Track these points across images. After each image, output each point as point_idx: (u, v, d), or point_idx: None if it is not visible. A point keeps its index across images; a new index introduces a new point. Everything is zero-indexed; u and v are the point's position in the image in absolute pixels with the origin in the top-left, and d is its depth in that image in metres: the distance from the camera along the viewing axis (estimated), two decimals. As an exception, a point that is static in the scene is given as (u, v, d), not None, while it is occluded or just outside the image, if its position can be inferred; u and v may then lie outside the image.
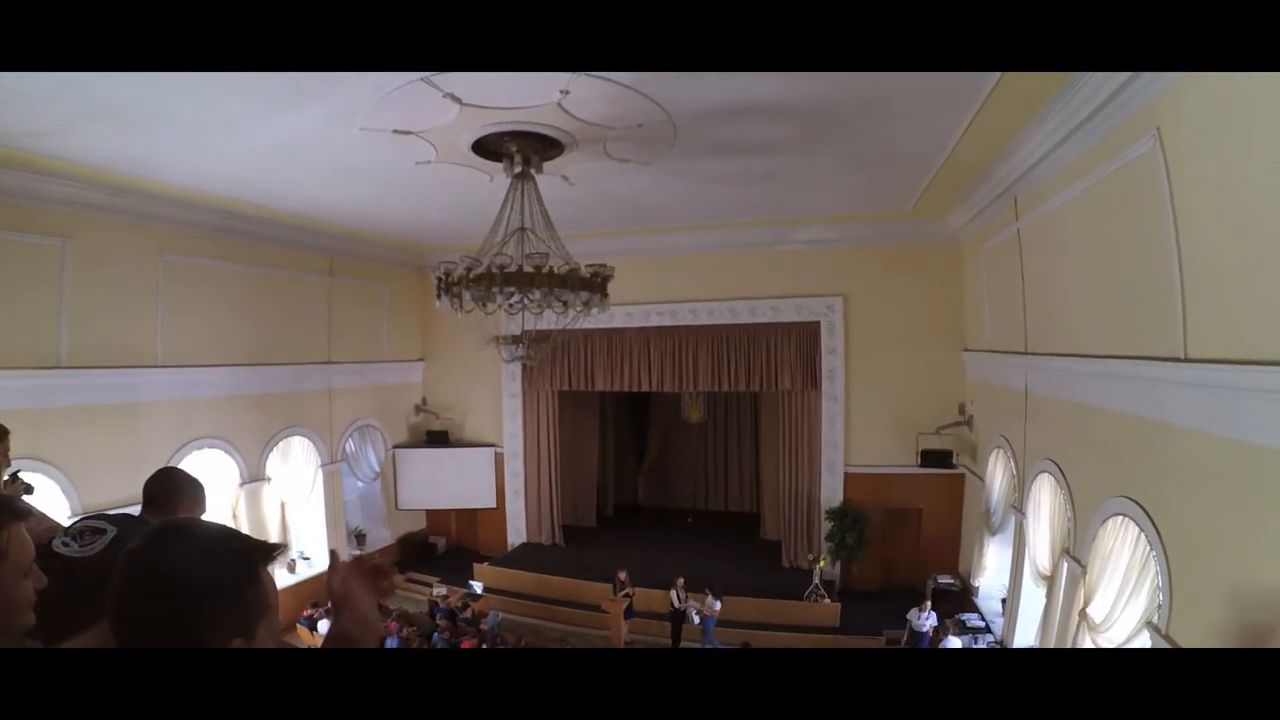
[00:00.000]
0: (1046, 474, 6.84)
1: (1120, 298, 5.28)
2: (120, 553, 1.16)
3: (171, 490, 2.52)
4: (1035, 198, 6.92)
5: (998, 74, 5.14)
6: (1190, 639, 4.06)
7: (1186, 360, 4.23)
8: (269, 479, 10.18)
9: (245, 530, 9.38)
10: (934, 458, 10.65)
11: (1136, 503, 4.85)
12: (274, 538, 10.27)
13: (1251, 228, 3.62)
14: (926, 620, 8.99)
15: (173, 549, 1.13)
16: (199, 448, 9.02)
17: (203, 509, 2.63)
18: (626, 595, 10.12)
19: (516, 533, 13.47)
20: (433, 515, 13.85)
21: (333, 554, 1.44)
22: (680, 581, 10.09)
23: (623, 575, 10.31)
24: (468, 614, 10.25)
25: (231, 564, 1.14)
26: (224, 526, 1.23)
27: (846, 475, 11.40)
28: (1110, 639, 5.01)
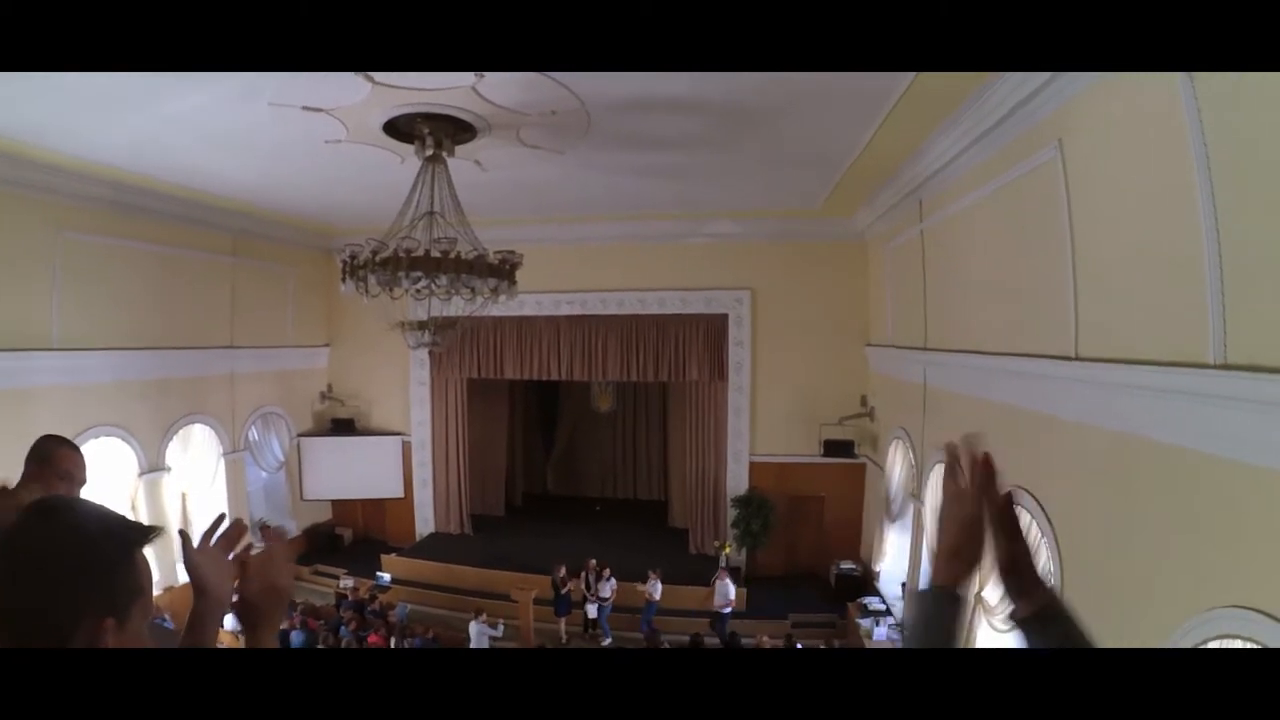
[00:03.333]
0: (944, 464, 7.11)
1: (1016, 298, 5.54)
2: None
3: (51, 457, 2.49)
4: (940, 200, 7.18)
5: (909, 77, 5.28)
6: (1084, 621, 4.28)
7: (1077, 359, 4.47)
8: (169, 469, 9.63)
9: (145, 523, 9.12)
10: (836, 448, 10.99)
11: (1027, 491, 5.10)
12: (174, 529, 9.77)
13: (1140, 236, 3.85)
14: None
15: (48, 526, 1.09)
16: (95, 436, 8.41)
17: (83, 481, 2.58)
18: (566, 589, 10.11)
19: (425, 522, 13.22)
20: (339, 506, 13.43)
21: (182, 534, 1.39)
22: (592, 563, 10.18)
23: (562, 570, 10.23)
24: (375, 606, 10.01)
25: (107, 544, 1.11)
26: (101, 506, 1.19)
27: (752, 464, 11.64)
28: (1003, 620, 5.24)
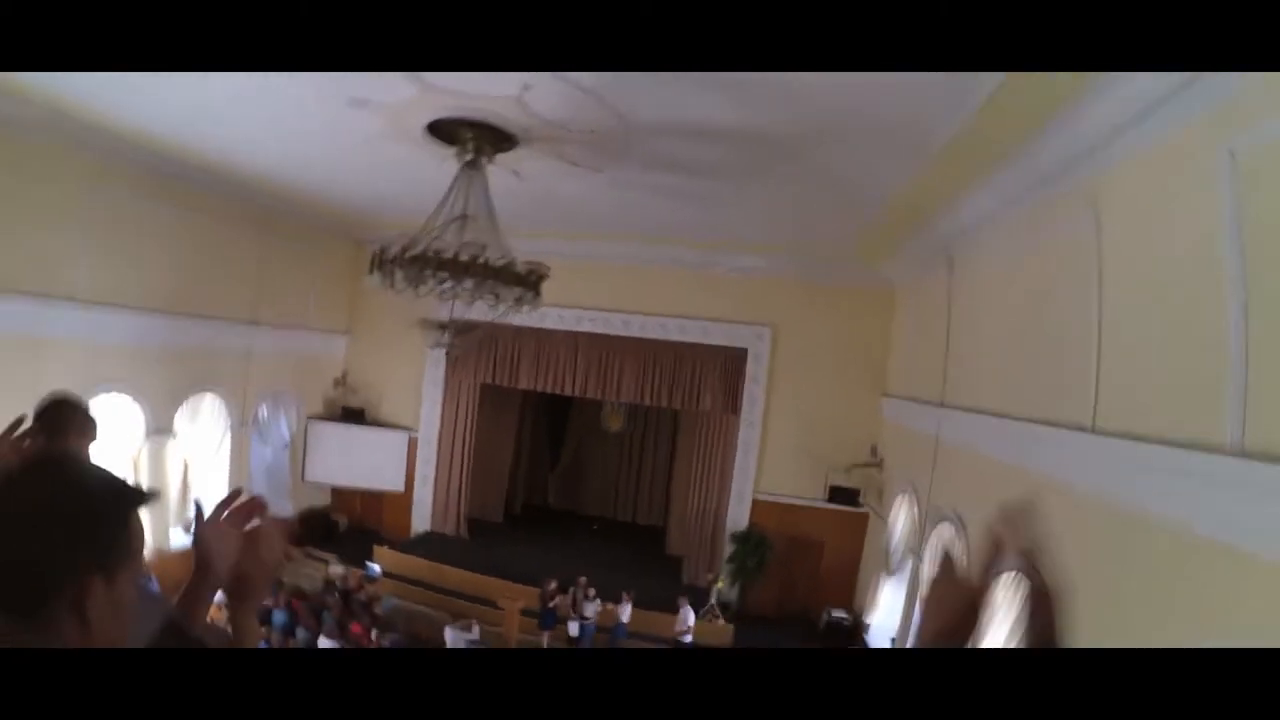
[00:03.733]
0: (948, 523, 7.05)
1: (1038, 363, 5.50)
2: None
3: (60, 417, 2.48)
4: (970, 256, 7.16)
5: (953, 127, 5.26)
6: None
7: (1094, 430, 4.42)
8: (175, 434, 9.69)
9: (145, 485, 9.09)
10: (841, 495, 10.92)
11: (1027, 562, 5.01)
12: (173, 495, 9.82)
13: (1168, 313, 3.82)
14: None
15: (46, 479, 1.10)
16: (106, 391, 8.44)
17: (92, 437, 2.59)
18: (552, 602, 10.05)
19: (421, 520, 13.21)
20: (339, 493, 13.44)
21: (196, 506, 1.40)
22: (582, 581, 10.12)
23: (553, 585, 10.18)
24: (362, 596, 9.98)
25: (103, 502, 1.12)
26: (101, 466, 1.21)
27: (755, 501, 11.57)
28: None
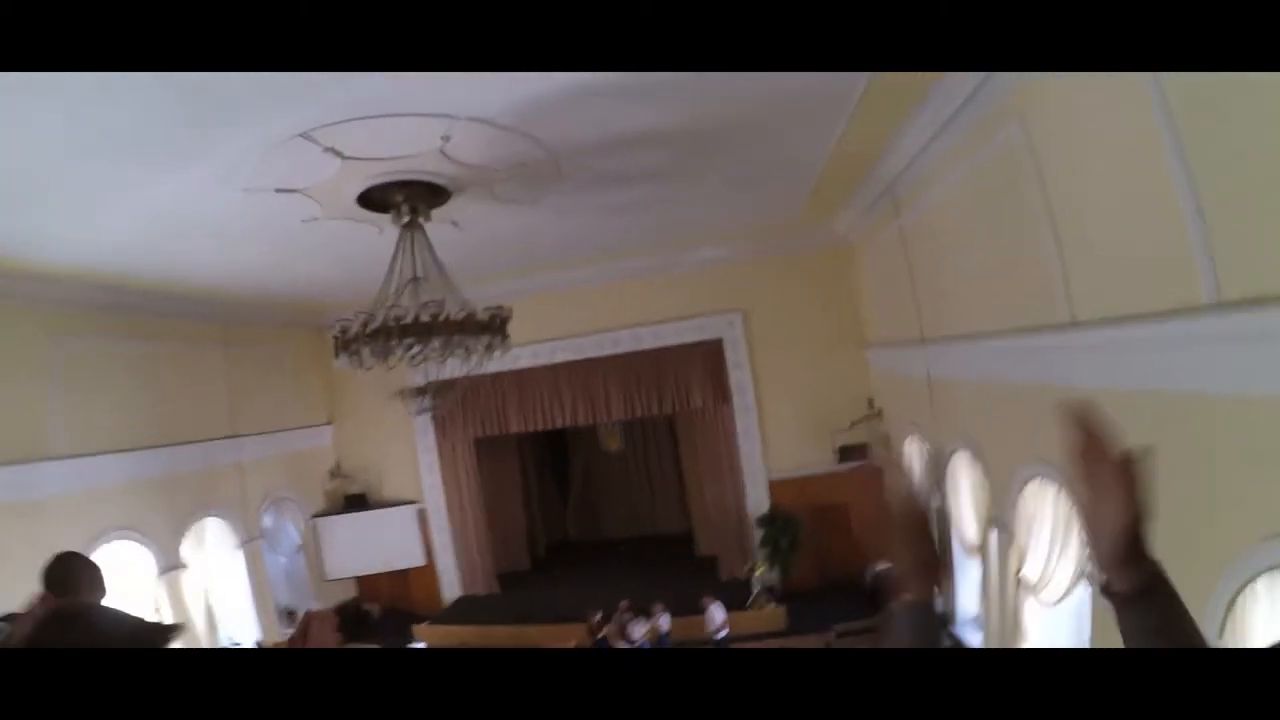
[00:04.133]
0: (961, 451, 7.09)
1: (1004, 277, 5.56)
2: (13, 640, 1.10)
3: (68, 576, 2.47)
4: (914, 194, 7.24)
5: (864, 80, 5.37)
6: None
7: (1073, 325, 4.48)
8: (186, 566, 9.53)
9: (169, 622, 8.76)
10: (851, 452, 10.94)
11: (1049, 463, 5.07)
12: (200, 626, 9.66)
13: (1115, 192, 3.89)
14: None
15: (67, 633, 1.09)
16: (109, 540, 8.29)
17: (102, 593, 2.56)
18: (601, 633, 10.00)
19: (451, 587, 13.08)
20: (363, 582, 13.25)
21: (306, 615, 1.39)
22: (624, 604, 10.08)
23: (597, 616, 10.13)
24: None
25: (128, 644, 1.10)
26: (119, 610, 1.19)
27: (770, 482, 11.58)
28: (1049, 595, 5.21)
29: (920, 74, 5.31)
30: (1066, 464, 1.20)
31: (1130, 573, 1.14)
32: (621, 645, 9.91)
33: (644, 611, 10.11)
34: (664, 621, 9.92)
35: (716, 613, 9.88)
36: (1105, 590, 1.17)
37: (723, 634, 9.84)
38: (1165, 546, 3.53)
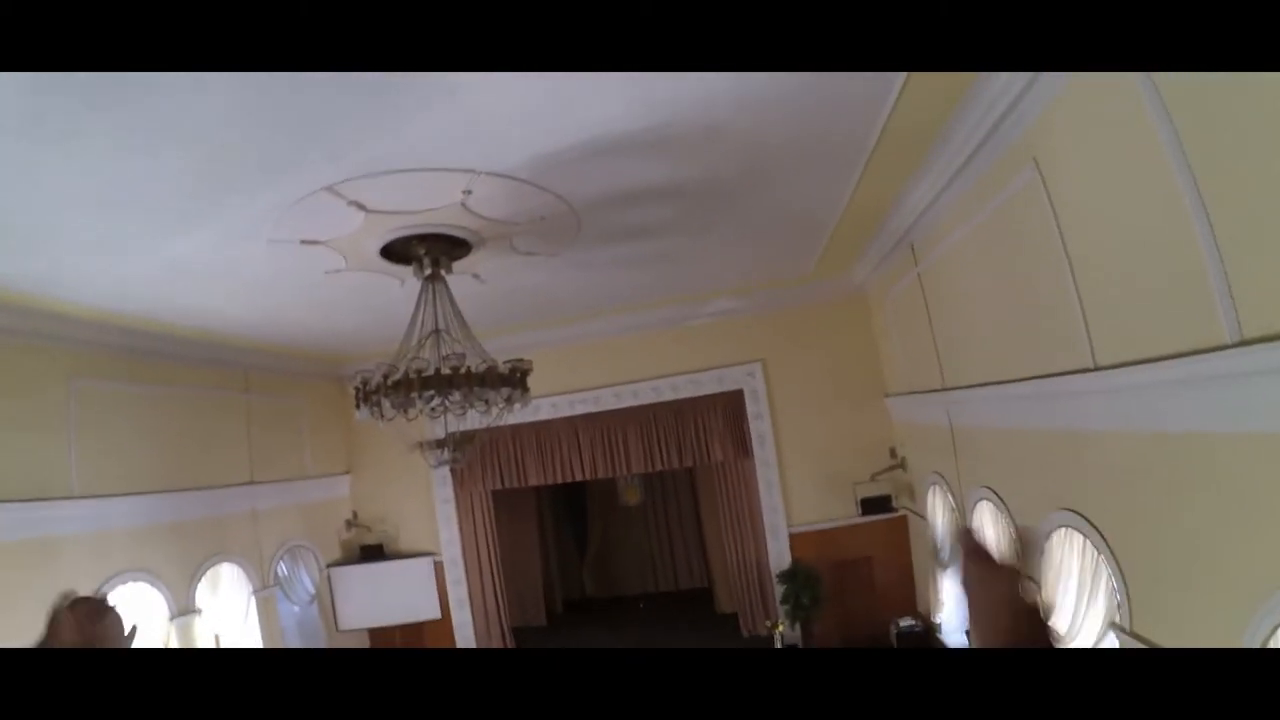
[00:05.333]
0: (985, 500, 6.99)
1: (1024, 323, 5.55)
2: None
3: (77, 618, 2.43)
4: (930, 241, 7.28)
5: (878, 128, 5.44)
6: (1153, 630, 4.13)
7: (1096, 369, 4.45)
8: (199, 611, 9.47)
9: None
10: (874, 504, 10.80)
11: (1075, 512, 4.99)
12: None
13: (1132, 234, 3.89)
14: None
15: (95, 622, 1.16)
16: (123, 582, 8.31)
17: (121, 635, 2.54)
18: None
19: (465, 641, 12.87)
20: (376, 634, 13.06)
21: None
22: None
23: None
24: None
25: None
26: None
27: (791, 535, 11.40)
28: (1080, 645, 5.08)
29: (933, 118, 5.38)
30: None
31: None
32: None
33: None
34: None
35: None
36: None
37: None
38: (1194, 588, 3.49)
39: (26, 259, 5.91)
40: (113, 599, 2.18)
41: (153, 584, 8.82)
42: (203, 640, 9.53)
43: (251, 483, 10.77)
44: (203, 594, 9.67)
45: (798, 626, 11.00)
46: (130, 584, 8.49)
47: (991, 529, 7.00)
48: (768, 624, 10.96)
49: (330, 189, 5.14)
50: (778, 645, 10.46)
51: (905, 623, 10.26)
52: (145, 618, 8.64)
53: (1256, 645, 3.04)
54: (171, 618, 9.02)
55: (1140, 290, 3.90)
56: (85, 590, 2.71)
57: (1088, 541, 4.90)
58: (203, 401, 9.98)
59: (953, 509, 8.32)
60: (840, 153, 5.89)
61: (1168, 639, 3.78)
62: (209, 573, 9.83)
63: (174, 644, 8.99)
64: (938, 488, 8.84)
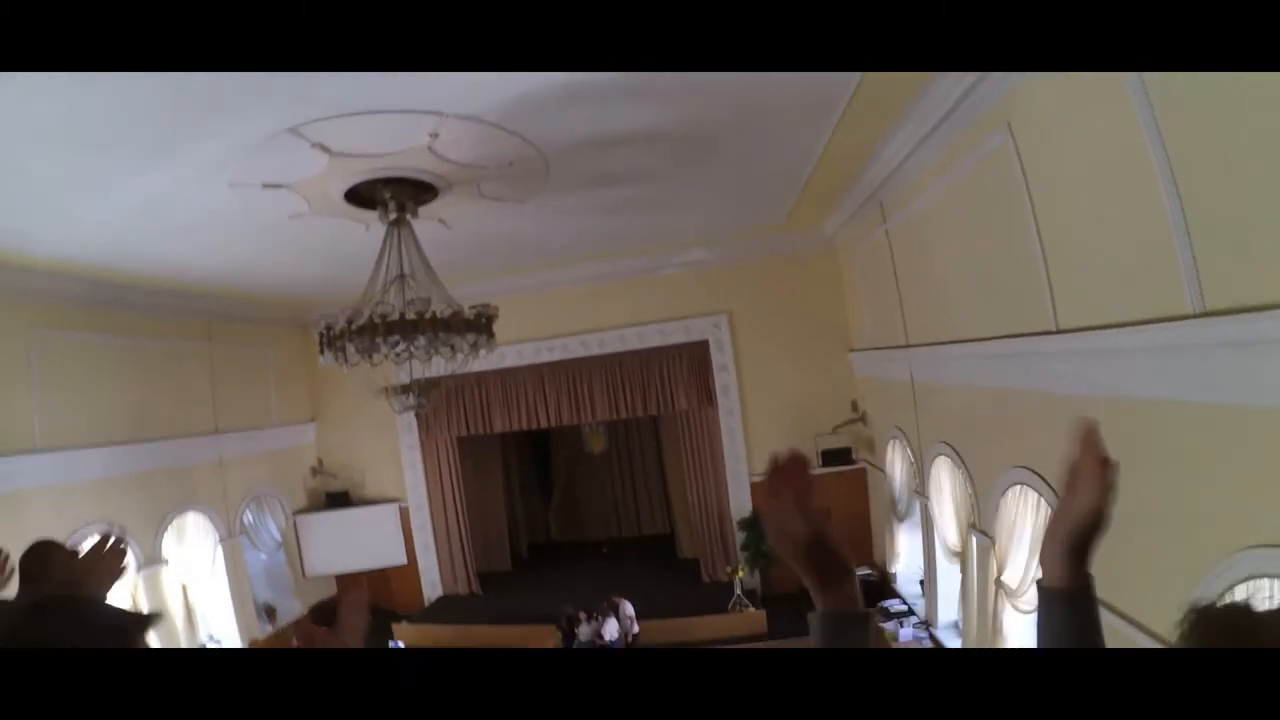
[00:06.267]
0: (943, 456, 7.14)
1: (990, 283, 5.61)
2: None
3: (43, 562, 2.44)
4: (901, 198, 7.28)
5: (853, 84, 5.39)
6: (1102, 589, 4.25)
7: (1059, 332, 4.52)
8: (166, 561, 9.44)
9: None
10: (834, 456, 10.97)
11: (1031, 470, 5.11)
12: (179, 622, 9.56)
13: (1101, 200, 3.93)
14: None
15: (46, 623, 1.07)
16: (88, 533, 8.23)
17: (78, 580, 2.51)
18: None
19: (431, 586, 13.02)
20: (343, 580, 13.11)
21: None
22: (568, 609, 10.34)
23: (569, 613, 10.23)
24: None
25: (104, 638, 1.09)
26: (95, 599, 1.19)
27: (753, 484, 11.59)
28: (1028, 601, 5.25)
29: (908, 79, 5.36)
30: (1061, 466, 1.27)
31: (1070, 573, 1.21)
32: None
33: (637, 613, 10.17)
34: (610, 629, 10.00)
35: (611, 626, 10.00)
36: (1040, 584, 1.24)
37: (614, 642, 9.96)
38: (1145, 552, 3.59)
39: None
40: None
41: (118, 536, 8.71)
42: (170, 590, 9.50)
43: (216, 431, 10.65)
44: (169, 544, 9.61)
45: (756, 573, 11.24)
46: (96, 536, 8.38)
47: (948, 483, 7.17)
48: (728, 569, 11.18)
49: (293, 130, 4.98)
50: (738, 590, 10.67)
51: (861, 571, 10.51)
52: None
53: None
54: (138, 569, 8.96)
55: (1105, 257, 3.95)
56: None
57: (1041, 499, 5.03)
58: (166, 351, 9.80)
59: (911, 463, 8.49)
60: (816, 104, 5.83)
61: (1116, 600, 3.91)
62: (175, 523, 9.77)
63: (141, 595, 8.95)
64: (897, 442, 9.00)
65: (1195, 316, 3.15)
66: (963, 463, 6.68)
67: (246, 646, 10.17)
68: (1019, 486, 5.38)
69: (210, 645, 10.01)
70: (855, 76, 5.24)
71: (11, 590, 2.43)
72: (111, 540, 2.35)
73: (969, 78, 4.89)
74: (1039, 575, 1.28)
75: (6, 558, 2.46)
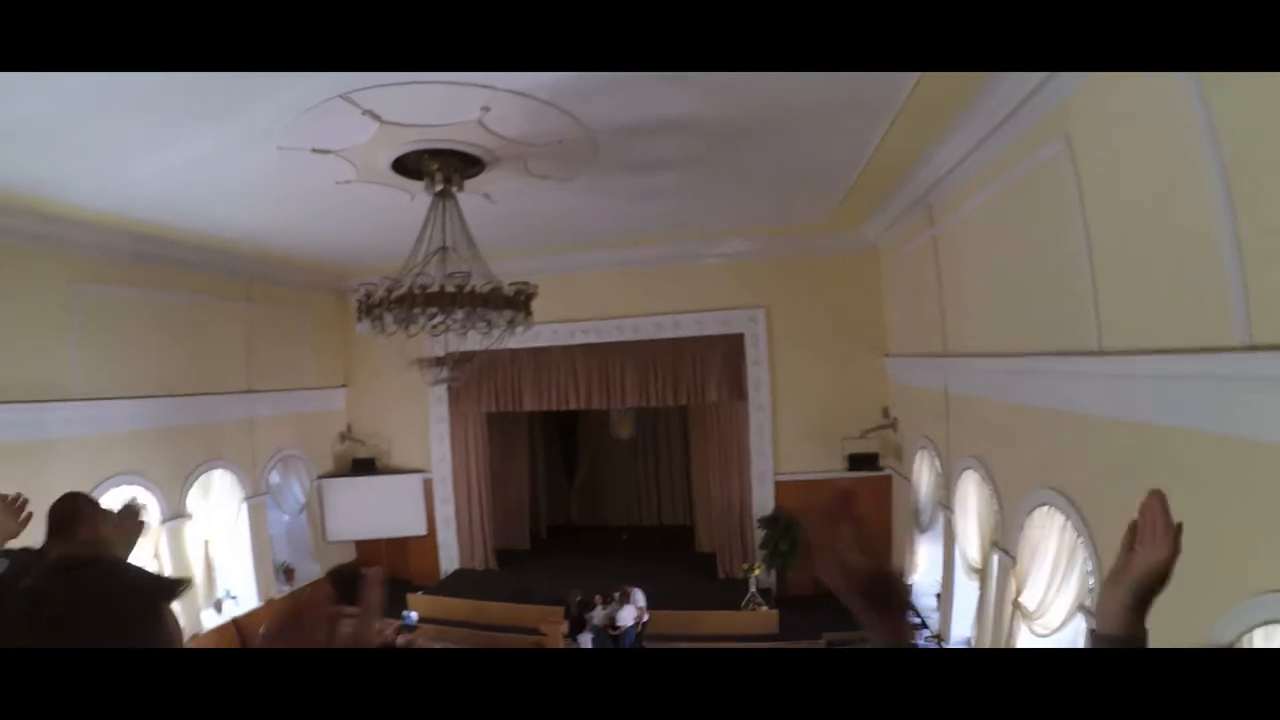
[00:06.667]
0: (971, 470, 7.04)
1: (1034, 297, 5.49)
2: (11, 589, 1.07)
3: (73, 516, 2.41)
4: (949, 204, 7.16)
5: (910, 85, 5.30)
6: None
7: (1101, 353, 4.41)
8: (190, 515, 9.65)
9: (168, 570, 8.66)
10: (860, 461, 10.87)
11: (1060, 492, 5.02)
12: (198, 576, 9.76)
13: (1155, 223, 3.81)
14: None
15: (68, 586, 1.04)
16: (115, 485, 8.45)
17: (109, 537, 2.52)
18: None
19: (449, 560, 13.16)
20: (363, 546, 13.35)
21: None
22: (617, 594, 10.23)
23: (579, 597, 10.27)
24: (402, 644, 9.95)
25: (132, 602, 1.07)
26: (125, 562, 1.18)
27: (777, 483, 11.53)
28: (1045, 625, 5.17)
29: (966, 81, 5.25)
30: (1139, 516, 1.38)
31: (1130, 623, 1.28)
32: (583, 634, 10.02)
33: (650, 603, 10.18)
34: (627, 615, 9.99)
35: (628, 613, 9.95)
36: (1095, 631, 1.30)
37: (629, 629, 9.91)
38: (1169, 584, 3.47)
39: (31, 159, 5.83)
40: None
41: (146, 487, 8.94)
42: (192, 545, 9.71)
43: (249, 391, 10.84)
44: (194, 499, 9.82)
45: (773, 572, 11.20)
46: (124, 486, 8.61)
47: (974, 498, 7.07)
48: (744, 567, 11.15)
49: (344, 96, 5.02)
50: (753, 588, 10.64)
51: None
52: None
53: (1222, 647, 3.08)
54: (163, 521, 9.18)
55: (1156, 280, 3.84)
56: (81, 489, 2.73)
57: (1068, 523, 4.93)
58: (204, 308, 9.98)
59: (938, 474, 8.38)
60: (871, 102, 5.73)
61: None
62: (202, 478, 9.99)
63: (163, 548, 9.15)
64: (925, 452, 8.89)
65: (1243, 349, 3.05)
66: (990, 478, 6.58)
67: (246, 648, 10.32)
68: (1046, 507, 5.29)
69: (228, 601, 10.20)
70: (913, 76, 5.16)
71: (32, 539, 2.43)
72: (132, 509, 2.37)
73: (1028, 83, 4.77)
74: (1091, 623, 1.30)
75: (26, 503, 2.46)
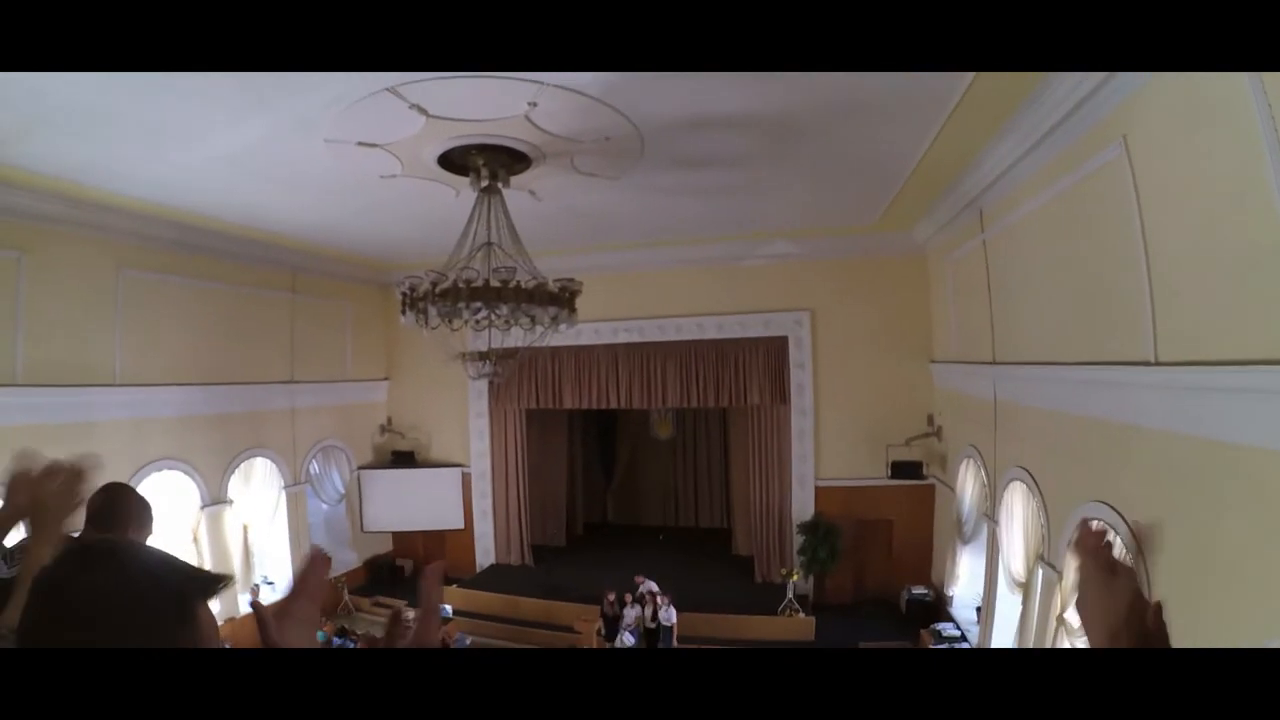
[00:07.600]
0: (1018, 481, 6.86)
1: (1088, 305, 5.33)
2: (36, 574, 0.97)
3: (113, 507, 2.36)
4: (1002, 208, 7.00)
5: (965, 84, 5.18)
6: (1173, 635, 4.05)
7: (1157, 364, 4.27)
8: (230, 502, 9.86)
9: (207, 555, 8.73)
10: (904, 469, 10.68)
11: (1110, 506, 4.86)
12: (236, 562, 9.95)
13: (1214, 232, 3.67)
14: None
15: (91, 575, 0.93)
16: (158, 469, 8.68)
17: (149, 531, 2.47)
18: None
19: (485, 554, 13.26)
20: (399, 538, 13.54)
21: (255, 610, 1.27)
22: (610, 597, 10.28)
23: (611, 596, 10.26)
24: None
25: (160, 599, 0.95)
26: (162, 553, 1.04)
27: (817, 488, 11.40)
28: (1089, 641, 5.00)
29: (1021, 82, 5.13)
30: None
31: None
32: (625, 632, 9.96)
33: (679, 604, 10.10)
34: (670, 615, 9.92)
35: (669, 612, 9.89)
36: None
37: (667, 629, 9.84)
38: (1218, 600, 3.38)
39: (85, 148, 5.98)
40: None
41: (188, 473, 9.18)
42: (231, 530, 9.91)
43: (291, 381, 11.06)
44: (235, 486, 10.03)
45: (811, 579, 11.08)
46: (166, 471, 8.82)
47: (1020, 510, 6.90)
48: (782, 572, 11.03)
49: (392, 89, 5.06)
50: (790, 594, 10.53)
51: (917, 590, 10.28)
52: (177, 505, 9.05)
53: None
54: (203, 506, 9.39)
55: (1215, 290, 3.69)
56: (124, 473, 2.74)
57: (1119, 539, 4.78)
58: (248, 298, 10.22)
59: (984, 484, 8.20)
60: (924, 102, 5.63)
61: (1182, 645, 3.70)
62: (243, 465, 10.22)
63: (203, 533, 9.34)
64: (971, 461, 8.71)
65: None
66: (1038, 490, 6.41)
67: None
68: (1095, 522, 5.13)
69: (264, 587, 10.38)
70: (968, 76, 5.04)
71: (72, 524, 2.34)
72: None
73: (1085, 85, 4.63)
74: None
75: (82, 473, 2.22)
